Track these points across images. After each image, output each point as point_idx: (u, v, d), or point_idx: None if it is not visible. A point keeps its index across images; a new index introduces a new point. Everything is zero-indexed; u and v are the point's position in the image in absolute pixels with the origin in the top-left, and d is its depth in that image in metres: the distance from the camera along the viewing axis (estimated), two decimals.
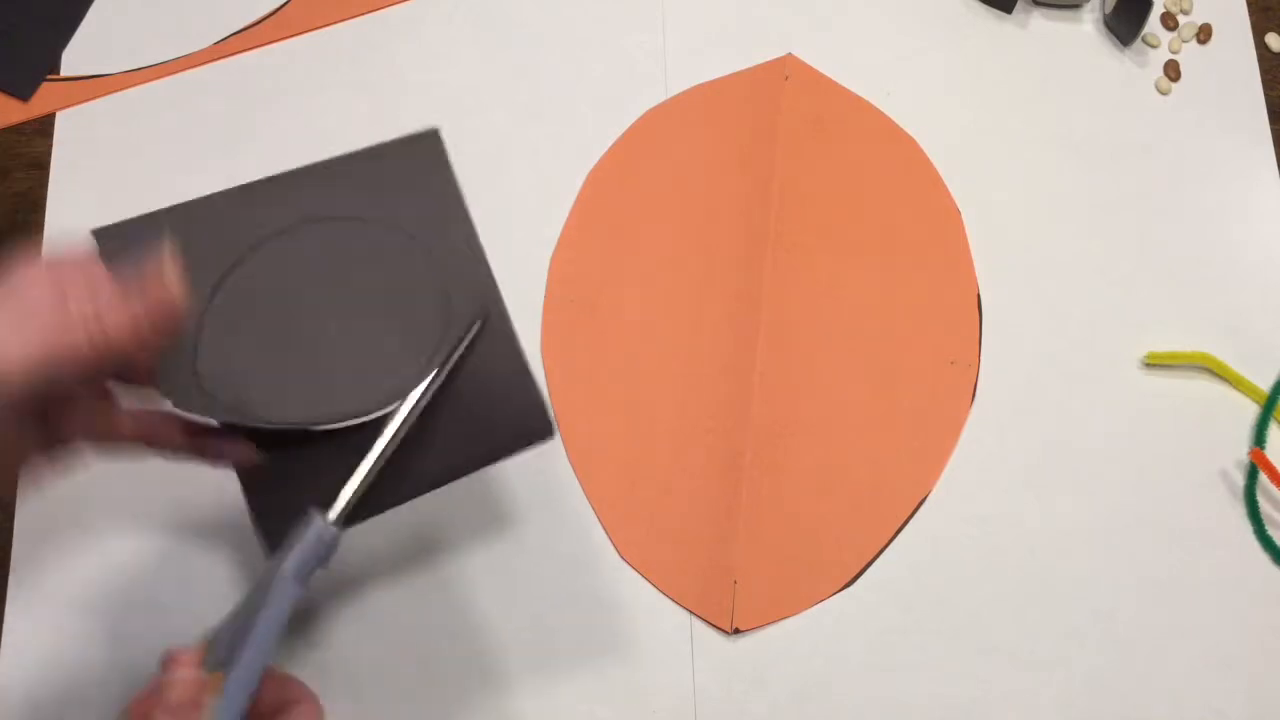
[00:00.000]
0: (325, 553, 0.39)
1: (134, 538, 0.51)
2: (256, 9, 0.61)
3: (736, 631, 0.51)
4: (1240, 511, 0.53)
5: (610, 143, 0.59)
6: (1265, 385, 0.55)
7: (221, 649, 0.38)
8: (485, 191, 0.58)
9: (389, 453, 0.41)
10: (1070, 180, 0.59)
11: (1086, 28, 0.62)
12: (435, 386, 0.42)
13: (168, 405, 0.40)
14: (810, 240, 0.57)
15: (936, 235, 0.57)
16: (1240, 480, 0.54)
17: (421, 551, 0.52)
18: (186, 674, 0.37)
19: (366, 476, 0.41)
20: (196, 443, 0.42)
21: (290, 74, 0.60)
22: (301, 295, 0.42)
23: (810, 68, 0.60)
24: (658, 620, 0.51)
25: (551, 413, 0.45)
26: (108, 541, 0.51)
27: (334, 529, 0.40)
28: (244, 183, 0.44)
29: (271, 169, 0.57)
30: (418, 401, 0.42)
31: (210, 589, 0.51)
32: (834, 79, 0.60)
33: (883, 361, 0.55)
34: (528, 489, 0.53)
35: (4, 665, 0.49)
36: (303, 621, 0.50)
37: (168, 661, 0.37)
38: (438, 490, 0.52)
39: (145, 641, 0.50)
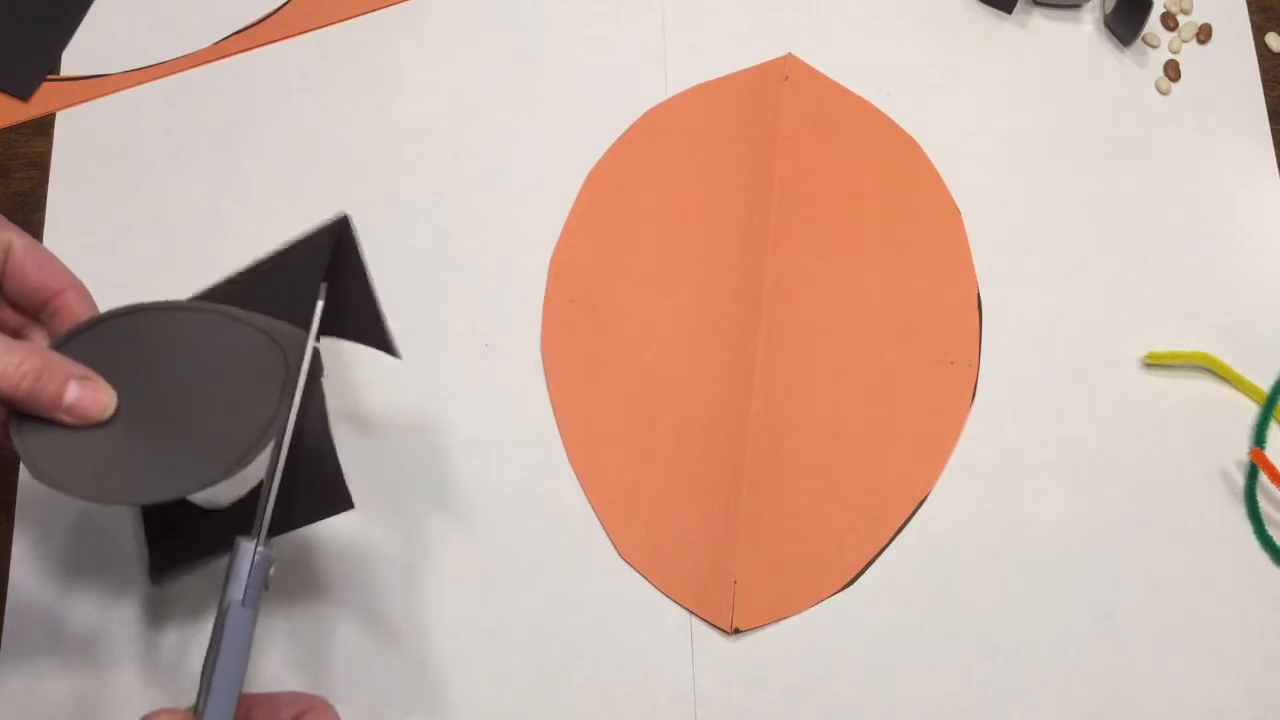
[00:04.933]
0: (262, 573, 0.40)
1: (135, 537, 0.51)
2: (256, 9, 0.61)
3: (736, 631, 0.51)
4: (1240, 511, 0.53)
5: (610, 143, 0.59)
6: (1265, 385, 0.55)
7: (199, 694, 0.38)
8: (485, 191, 0.58)
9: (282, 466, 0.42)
10: (1070, 180, 0.59)
11: (1086, 28, 0.62)
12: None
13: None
14: (810, 240, 0.57)
15: (936, 235, 0.58)
16: (1240, 480, 0.54)
17: (421, 551, 0.52)
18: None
19: (277, 491, 0.41)
20: None
21: (290, 74, 0.60)
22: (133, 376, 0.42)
23: (810, 68, 0.60)
24: (658, 620, 0.51)
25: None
26: (108, 541, 0.51)
27: (264, 550, 0.40)
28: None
29: (271, 169, 0.58)
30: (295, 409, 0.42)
31: (212, 587, 0.51)
32: (834, 79, 0.60)
33: (883, 361, 0.55)
34: (528, 489, 0.53)
35: (4, 665, 0.49)
36: (301, 625, 0.50)
37: (149, 716, 0.37)
38: (437, 491, 0.53)
39: (146, 641, 0.50)
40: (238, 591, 0.39)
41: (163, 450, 0.41)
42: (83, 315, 0.43)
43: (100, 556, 0.51)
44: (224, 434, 0.41)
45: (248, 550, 0.40)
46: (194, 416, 0.42)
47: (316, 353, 0.43)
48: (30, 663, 0.49)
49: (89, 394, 0.40)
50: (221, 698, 0.38)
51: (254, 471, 0.42)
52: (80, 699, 0.49)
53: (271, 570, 0.41)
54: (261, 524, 0.41)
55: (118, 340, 0.42)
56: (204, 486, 0.41)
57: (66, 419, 0.40)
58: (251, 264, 0.46)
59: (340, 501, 0.43)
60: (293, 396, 0.42)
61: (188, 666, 0.50)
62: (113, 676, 0.49)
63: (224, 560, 0.40)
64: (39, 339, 0.44)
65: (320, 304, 0.43)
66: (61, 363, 0.40)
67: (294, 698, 0.41)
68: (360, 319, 0.46)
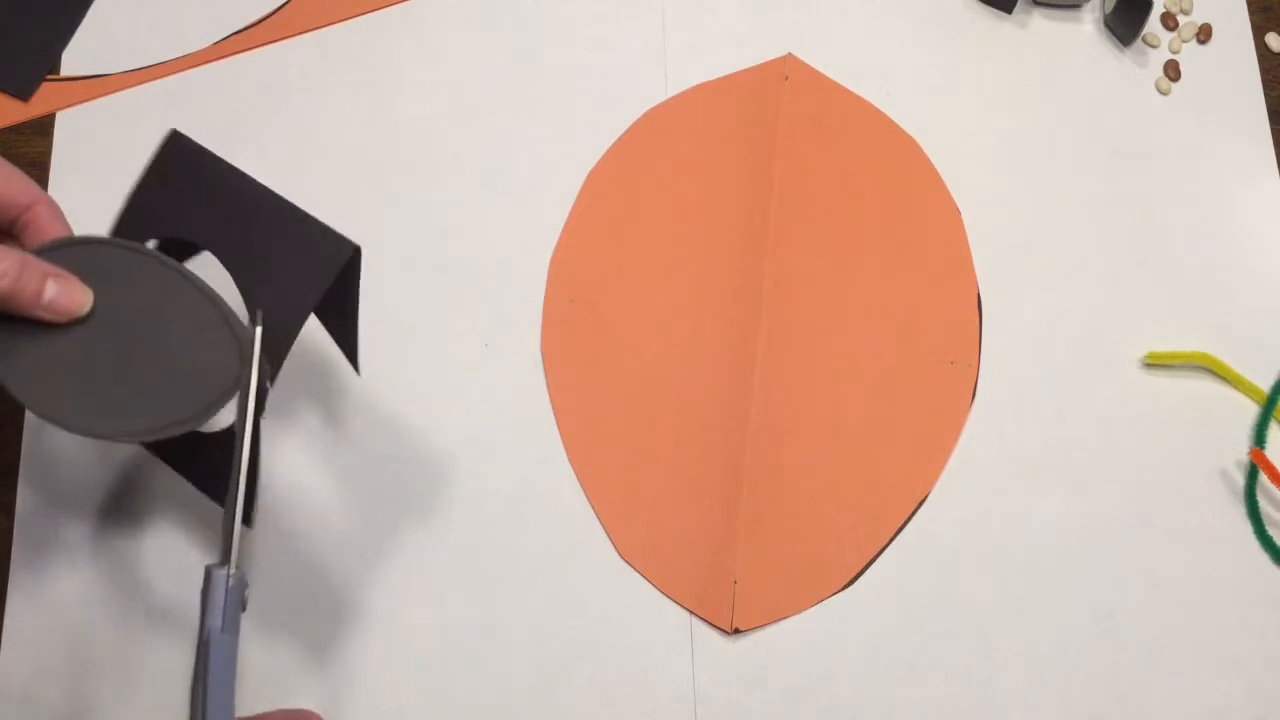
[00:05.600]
0: (238, 597, 0.41)
1: (135, 537, 0.51)
2: (256, 9, 0.61)
3: (736, 631, 0.51)
4: (1240, 511, 0.53)
5: (610, 143, 0.59)
6: (1265, 385, 0.55)
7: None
8: (485, 191, 0.58)
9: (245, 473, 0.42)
10: (1070, 180, 0.59)
11: (1086, 28, 0.62)
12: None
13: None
14: (810, 240, 0.57)
15: (936, 235, 0.58)
16: (1240, 480, 0.54)
17: (421, 551, 0.52)
18: None
19: (240, 506, 0.41)
20: None
21: (290, 74, 0.60)
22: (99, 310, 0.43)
23: (810, 68, 0.60)
24: (658, 620, 0.51)
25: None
26: (108, 540, 0.51)
27: (237, 575, 0.40)
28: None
29: (271, 169, 0.57)
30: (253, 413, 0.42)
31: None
32: (834, 79, 0.60)
33: (883, 361, 0.55)
34: (528, 489, 0.53)
35: (4, 665, 0.49)
36: (302, 624, 0.50)
37: None
38: (437, 491, 0.53)
39: (146, 640, 0.50)
40: (216, 619, 0.40)
41: (125, 386, 0.42)
42: (54, 230, 0.44)
43: (100, 556, 0.51)
44: (183, 385, 0.42)
45: (220, 578, 0.40)
46: (153, 359, 0.43)
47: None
48: (30, 663, 0.49)
49: (66, 290, 0.41)
50: None
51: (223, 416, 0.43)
52: (80, 699, 0.49)
53: (246, 592, 0.41)
54: (231, 551, 0.41)
55: (89, 263, 0.43)
56: (164, 433, 0.42)
57: (45, 315, 0.40)
58: (273, 199, 0.46)
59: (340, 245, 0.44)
60: (248, 400, 0.43)
61: (188, 667, 0.49)
62: (112, 677, 0.49)
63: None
64: None
65: (259, 330, 0.43)
66: (38, 263, 0.41)
67: (286, 716, 0.41)
68: (338, 333, 0.47)
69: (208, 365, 0.43)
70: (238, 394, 0.43)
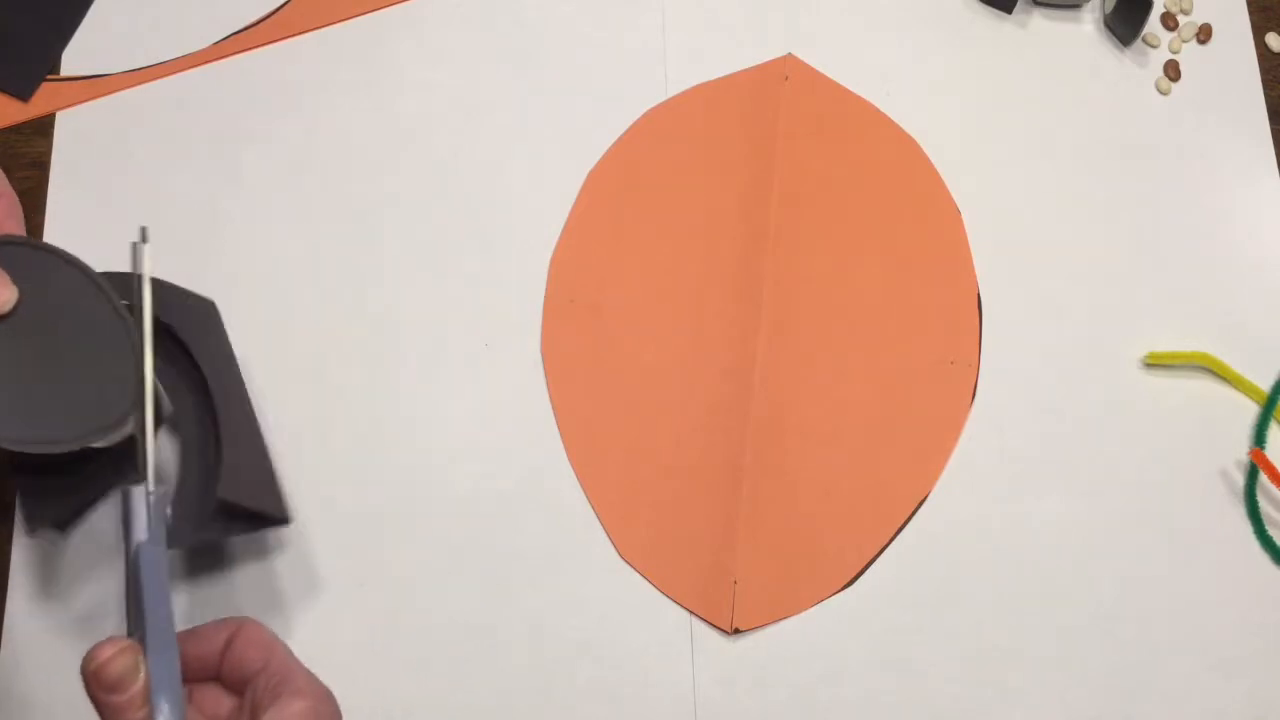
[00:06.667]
0: (162, 511, 0.43)
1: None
2: (256, 9, 0.61)
3: (736, 631, 0.51)
4: (1240, 511, 0.53)
5: (610, 143, 0.59)
6: (1265, 385, 0.55)
7: (129, 632, 0.40)
8: (485, 191, 0.58)
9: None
10: (1070, 180, 0.59)
11: (1086, 28, 0.62)
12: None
13: None
14: (810, 240, 0.57)
15: (936, 235, 0.58)
16: (1240, 480, 0.54)
17: (421, 551, 0.52)
18: (111, 648, 0.38)
19: (150, 425, 0.44)
20: None
21: (290, 74, 0.60)
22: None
23: (810, 68, 0.60)
24: (658, 620, 0.51)
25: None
26: (108, 539, 0.51)
27: (157, 489, 0.42)
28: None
29: (271, 169, 0.58)
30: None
31: (212, 580, 0.51)
32: (834, 79, 0.60)
33: (883, 361, 0.55)
34: (528, 489, 0.53)
35: (4, 665, 0.49)
36: (301, 625, 0.50)
37: (92, 650, 0.38)
38: (437, 491, 0.53)
39: None
40: (141, 533, 0.42)
41: (38, 395, 0.43)
42: (4, 225, 0.45)
43: (100, 556, 0.51)
44: (94, 396, 0.44)
45: (139, 493, 0.42)
46: (58, 372, 0.44)
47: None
48: (30, 663, 0.49)
49: None
50: (159, 633, 0.39)
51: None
52: (80, 699, 0.49)
53: (169, 509, 0.43)
54: (145, 464, 0.43)
55: (19, 264, 0.44)
56: (75, 445, 0.43)
57: None
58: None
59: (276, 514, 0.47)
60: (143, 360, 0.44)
61: None
62: None
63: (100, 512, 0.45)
64: None
65: (146, 247, 0.45)
66: None
67: (220, 624, 0.42)
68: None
69: (107, 388, 0.44)
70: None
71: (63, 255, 0.45)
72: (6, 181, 0.47)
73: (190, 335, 0.49)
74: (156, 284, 0.46)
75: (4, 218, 0.45)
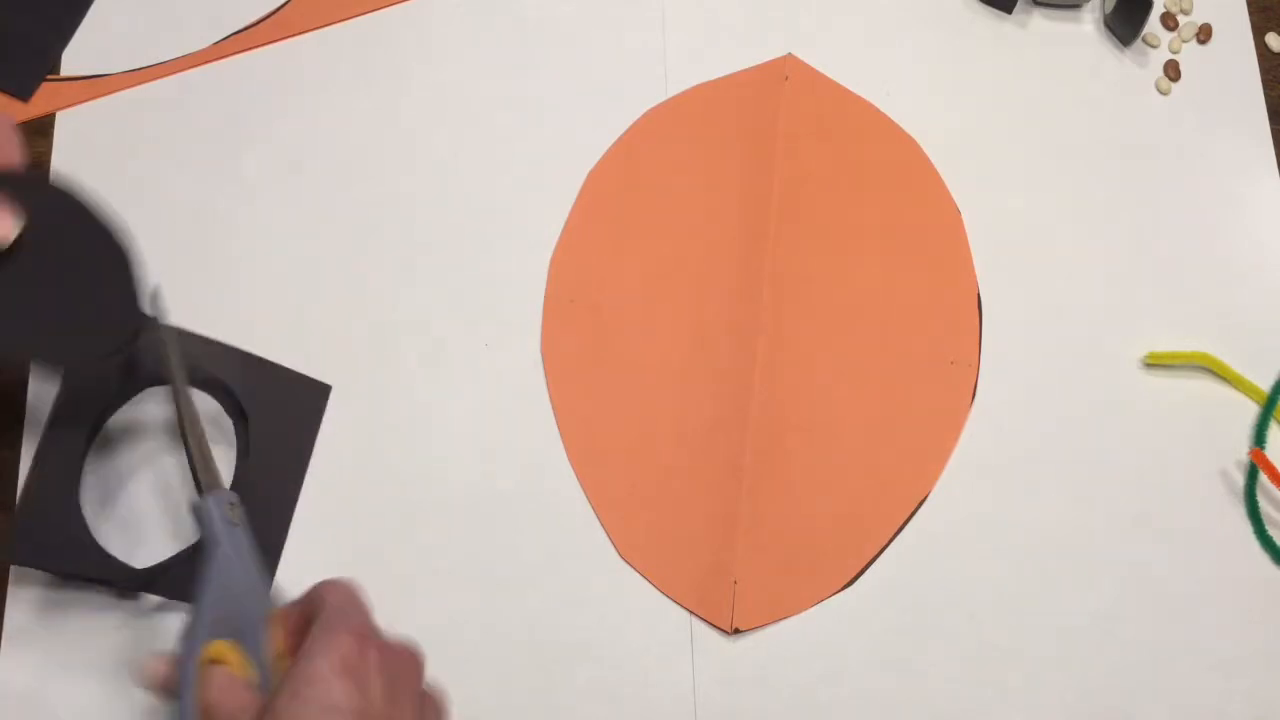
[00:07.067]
0: (222, 513, 0.44)
1: (133, 534, 0.51)
2: (256, 9, 0.61)
3: (736, 631, 0.51)
4: (1240, 511, 0.53)
5: (610, 143, 0.59)
6: (1265, 385, 0.55)
7: (220, 629, 0.41)
8: (485, 191, 0.58)
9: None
10: (1070, 180, 0.59)
11: (1086, 28, 0.62)
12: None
13: None
14: (810, 240, 0.57)
15: (936, 235, 0.58)
16: (1240, 480, 0.54)
17: (421, 551, 0.52)
18: (225, 679, 0.39)
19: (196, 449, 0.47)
20: None
21: (290, 74, 0.60)
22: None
23: (810, 68, 0.60)
24: (658, 620, 0.51)
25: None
26: (106, 538, 0.51)
27: (215, 496, 0.45)
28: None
29: (271, 169, 0.58)
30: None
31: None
32: (834, 79, 0.60)
33: (883, 361, 0.55)
34: (528, 489, 0.53)
35: (4, 665, 0.49)
36: None
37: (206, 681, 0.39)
38: (437, 491, 0.53)
39: (146, 641, 0.50)
40: (213, 541, 0.43)
41: (46, 314, 0.45)
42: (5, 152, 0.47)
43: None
44: (97, 321, 0.46)
45: (203, 504, 0.44)
46: (71, 294, 0.46)
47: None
48: (30, 663, 0.49)
49: None
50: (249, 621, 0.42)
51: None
52: (80, 699, 0.49)
53: (231, 511, 0.44)
54: (198, 478, 0.46)
55: (25, 195, 0.46)
56: (79, 362, 0.48)
57: None
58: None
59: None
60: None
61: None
62: (112, 676, 0.49)
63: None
64: None
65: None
66: None
67: (307, 599, 0.42)
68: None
69: (113, 311, 0.47)
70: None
71: (65, 189, 0.47)
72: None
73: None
74: (270, 365, 0.52)
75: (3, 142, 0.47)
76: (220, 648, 0.41)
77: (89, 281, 0.46)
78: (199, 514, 0.44)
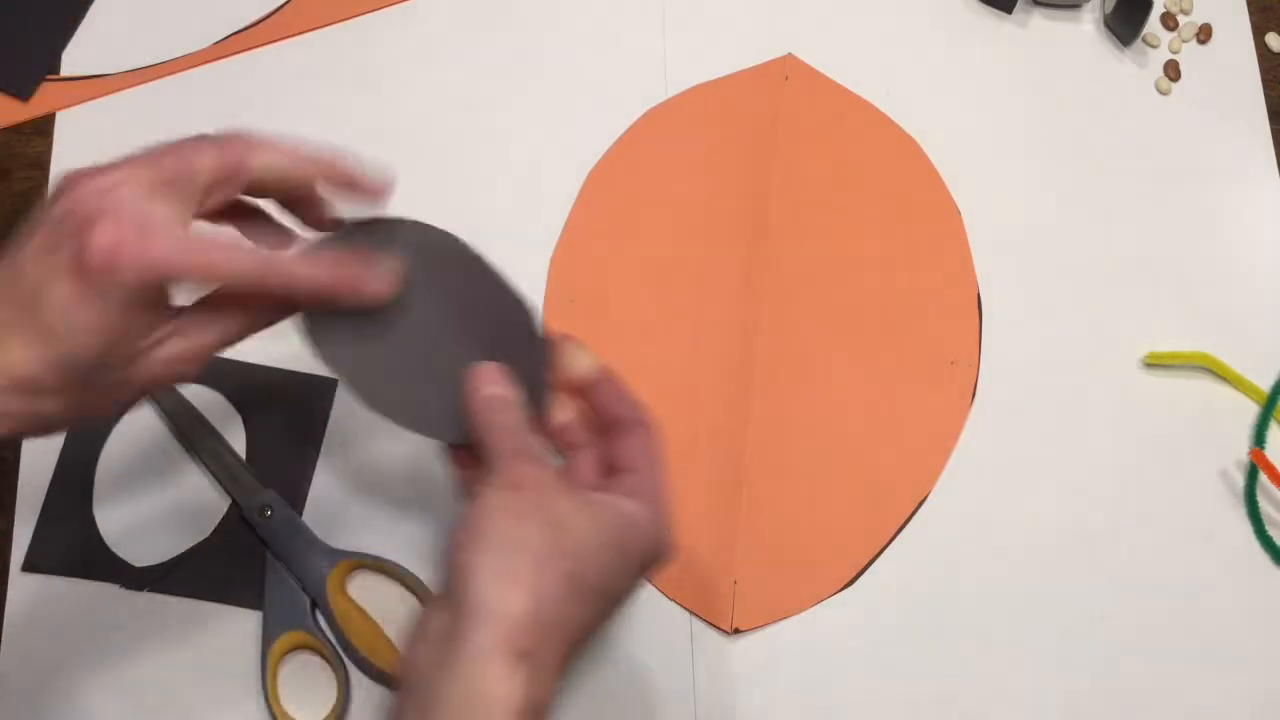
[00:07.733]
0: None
1: (134, 534, 0.51)
2: (256, 9, 0.61)
3: (736, 631, 0.51)
4: (1240, 511, 0.53)
5: (610, 143, 0.59)
6: (1265, 385, 0.55)
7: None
8: (485, 191, 0.58)
9: None
10: (1070, 180, 0.59)
11: (1086, 28, 0.62)
12: None
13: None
14: (810, 240, 0.57)
15: (936, 235, 0.57)
16: (1240, 480, 0.54)
17: (421, 552, 0.52)
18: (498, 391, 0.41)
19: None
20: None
21: (290, 74, 0.60)
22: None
23: (810, 68, 0.60)
24: (658, 620, 0.51)
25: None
26: (107, 538, 0.51)
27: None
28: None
29: None
30: None
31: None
32: (834, 79, 0.60)
33: (883, 361, 0.55)
34: None
35: (4, 665, 0.49)
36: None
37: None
38: (438, 492, 0.53)
39: (146, 640, 0.50)
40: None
41: (418, 381, 0.42)
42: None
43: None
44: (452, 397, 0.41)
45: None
46: (446, 358, 0.42)
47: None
48: (30, 662, 0.49)
49: (374, 277, 0.42)
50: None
51: None
52: (81, 699, 0.49)
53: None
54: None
55: (392, 245, 0.43)
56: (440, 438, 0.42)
57: (352, 302, 0.41)
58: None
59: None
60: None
61: (189, 666, 0.50)
62: (112, 676, 0.49)
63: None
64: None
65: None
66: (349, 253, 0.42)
67: (620, 416, 0.44)
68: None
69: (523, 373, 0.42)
70: None
71: (428, 228, 0.44)
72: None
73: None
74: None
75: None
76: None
77: (477, 350, 0.42)
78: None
